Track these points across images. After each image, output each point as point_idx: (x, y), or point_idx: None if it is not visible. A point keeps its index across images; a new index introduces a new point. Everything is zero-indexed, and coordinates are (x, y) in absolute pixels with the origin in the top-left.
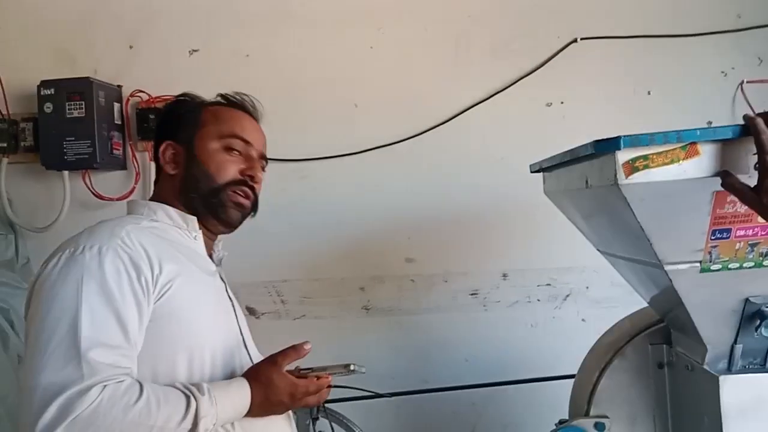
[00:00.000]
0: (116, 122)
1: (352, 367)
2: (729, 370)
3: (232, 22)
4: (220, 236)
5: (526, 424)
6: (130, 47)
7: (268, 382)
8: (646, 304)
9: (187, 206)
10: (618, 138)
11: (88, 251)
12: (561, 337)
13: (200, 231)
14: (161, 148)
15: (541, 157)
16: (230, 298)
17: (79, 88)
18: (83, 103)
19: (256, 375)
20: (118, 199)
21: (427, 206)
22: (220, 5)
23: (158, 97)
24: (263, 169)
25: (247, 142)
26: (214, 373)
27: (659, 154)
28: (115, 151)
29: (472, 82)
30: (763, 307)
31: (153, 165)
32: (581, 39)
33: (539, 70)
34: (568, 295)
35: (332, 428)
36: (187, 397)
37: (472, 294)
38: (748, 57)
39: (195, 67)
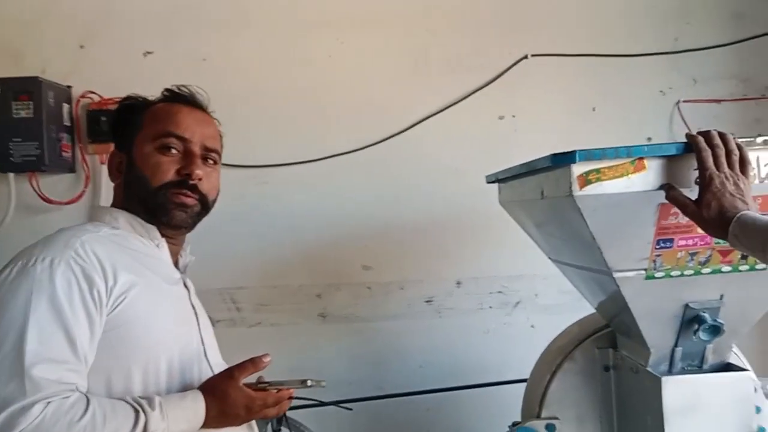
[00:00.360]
0: (65, 124)
1: (309, 383)
2: (670, 372)
3: (190, 26)
4: (187, 241)
5: (478, 427)
6: (81, 47)
7: (223, 396)
8: (592, 311)
9: (136, 213)
10: (574, 152)
11: (40, 263)
12: (511, 343)
13: (163, 239)
14: (108, 157)
15: (494, 168)
16: (193, 307)
17: (27, 87)
18: (31, 103)
19: (211, 388)
20: (66, 203)
21: (384, 214)
22: (177, 8)
23: (110, 99)
24: (213, 161)
25: (182, 138)
26: (171, 384)
27: (610, 168)
28: (63, 154)
29: (429, 94)
30: (701, 312)
31: (103, 167)
32: (531, 55)
33: (492, 84)
34: (518, 302)
35: None
36: (136, 412)
37: (427, 301)
38: (685, 78)
39: (150, 69)
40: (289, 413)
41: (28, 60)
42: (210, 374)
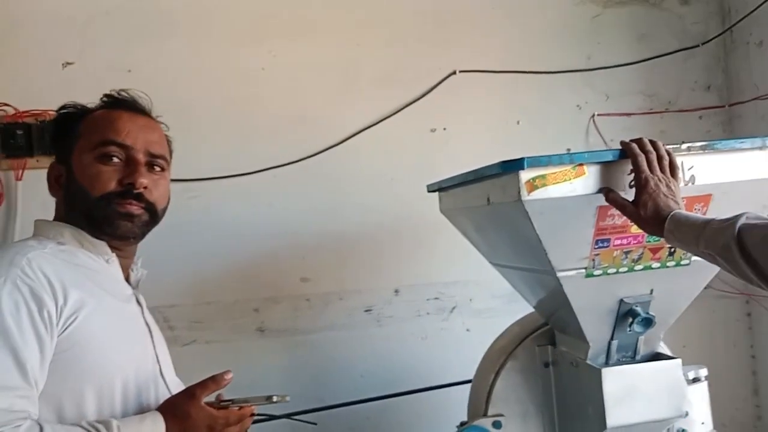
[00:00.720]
0: None
1: (275, 399)
2: (607, 363)
3: (113, 35)
4: (138, 254)
5: (425, 431)
6: None
7: (185, 416)
8: (522, 315)
9: (80, 227)
10: (522, 159)
11: None
12: (449, 348)
13: (113, 254)
14: (48, 170)
15: (428, 178)
16: (147, 324)
17: None
18: None
19: (172, 408)
20: None
21: (320, 226)
22: (96, 16)
23: (26, 112)
24: (161, 168)
25: (123, 145)
26: (127, 406)
27: (554, 173)
28: None
29: (362, 107)
30: (634, 306)
31: (19, 184)
32: (460, 71)
33: (423, 98)
34: (454, 308)
35: None
36: None
37: (366, 310)
38: (598, 93)
39: (69, 80)
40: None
41: None
42: (167, 394)
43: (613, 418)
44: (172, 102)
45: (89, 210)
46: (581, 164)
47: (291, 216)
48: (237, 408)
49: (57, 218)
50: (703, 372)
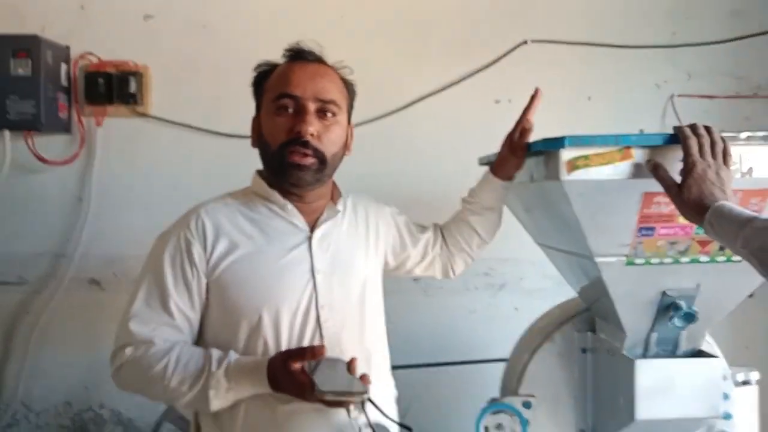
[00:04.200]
0: (63, 84)
1: (355, 398)
2: (644, 355)
3: None
4: (336, 199)
5: (460, 403)
6: (82, 8)
7: (275, 377)
8: (573, 296)
9: (267, 176)
10: (563, 138)
11: (163, 237)
12: (495, 324)
13: (286, 202)
14: (251, 125)
15: (488, 150)
16: (312, 269)
17: (26, 45)
18: (29, 60)
19: (272, 366)
20: (60, 164)
21: (377, 191)
22: None
23: (109, 61)
24: (332, 113)
25: (293, 96)
26: (278, 340)
27: (598, 155)
28: (60, 114)
29: (428, 73)
30: (677, 299)
31: (98, 130)
32: (531, 41)
33: (491, 67)
34: (503, 285)
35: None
36: (203, 367)
37: (414, 279)
38: (680, 72)
39: (148, 33)
40: None
41: (27, 18)
42: (317, 336)
43: (642, 411)
44: (242, 60)
45: (271, 161)
46: (628, 147)
47: (348, 180)
48: (318, 392)
49: (263, 164)
50: (755, 375)
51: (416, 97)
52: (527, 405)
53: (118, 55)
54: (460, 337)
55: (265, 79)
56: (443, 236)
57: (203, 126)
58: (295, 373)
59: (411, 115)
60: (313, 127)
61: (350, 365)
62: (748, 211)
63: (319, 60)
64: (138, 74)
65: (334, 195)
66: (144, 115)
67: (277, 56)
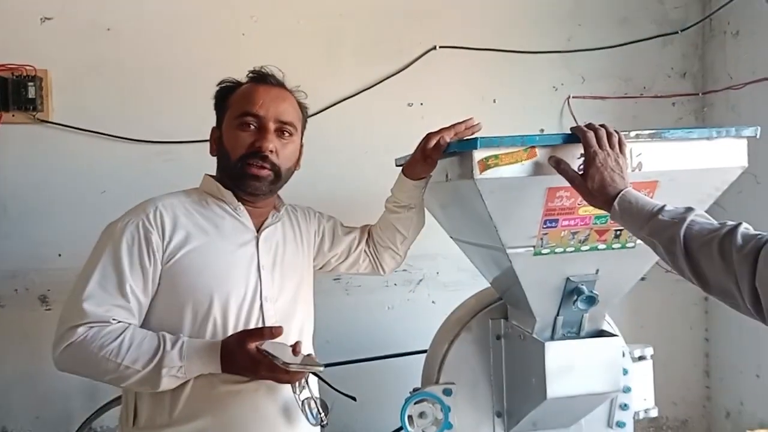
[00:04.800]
0: None
1: (308, 367)
2: (552, 338)
3: None
4: (278, 207)
5: (382, 396)
6: None
7: (231, 355)
8: (487, 287)
9: (224, 181)
10: (475, 139)
11: (120, 223)
12: (414, 318)
13: (239, 204)
14: (210, 132)
15: (403, 152)
16: (259, 264)
17: None
18: None
19: (226, 345)
20: None
21: (292, 194)
22: None
23: (3, 65)
24: (289, 133)
25: (257, 115)
26: (218, 328)
27: (507, 154)
28: None
29: (341, 78)
30: (579, 284)
31: None
32: (440, 47)
33: (402, 72)
34: (421, 280)
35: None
36: (158, 347)
37: (335, 279)
38: (575, 75)
39: (47, 36)
40: None
41: None
42: (260, 324)
43: (553, 390)
44: (149, 63)
45: (229, 169)
46: (533, 146)
47: None
48: (279, 363)
49: (217, 172)
50: (649, 351)
51: (331, 101)
52: (448, 392)
53: (12, 59)
54: (380, 333)
55: (228, 95)
56: (371, 236)
57: (110, 132)
58: (252, 352)
59: (327, 119)
60: (272, 144)
61: (295, 347)
62: (651, 202)
63: (280, 84)
64: (37, 79)
65: (277, 203)
66: (44, 121)
67: (186, 59)
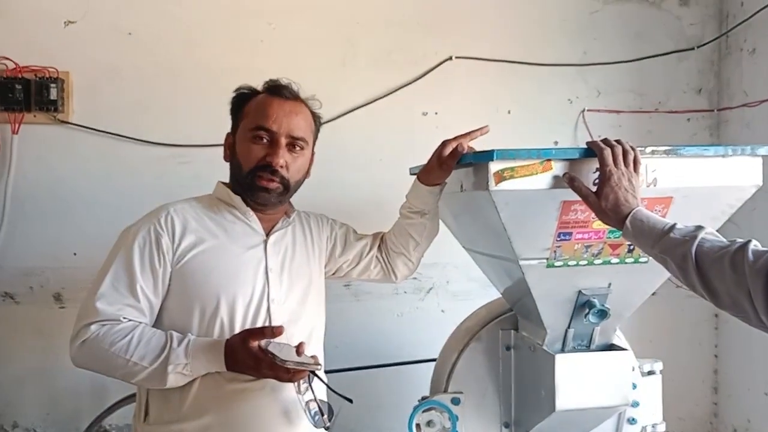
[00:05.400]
0: None
1: (306, 363)
2: (562, 350)
3: None
4: (289, 213)
5: (390, 403)
6: None
7: (234, 353)
8: (498, 297)
9: (235, 188)
10: (492, 151)
11: (133, 228)
12: (423, 327)
13: (248, 209)
14: (225, 137)
15: (416, 161)
16: (266, 267)
17: None
18: None
19: (229, 344)
20: None
21: (306, 200)
22: None
23: (26, 67)
24: (300, 147)
25: (269, 130)
26: (225, 328)
27: (522, 167)
28: None
29: (356, 86)
30: (591, 298)
31: (14, 138)
32: (456, 57)
33: (418, 81)
34: (431, 288)
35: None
36: (165, 345)
37: (345, 285)
38: (590, 89)
39: (70, 39)
40: None
41: None
42: (267, 322)
43: (562, 402)
44: (168, 67)
45: (241, 179)
46: (549, 160)
47: None
48: (278, 361)
49: (230, 177)
50: (658, 366)
51: (346, 108)
52: (456, 401)
53: (37, 61)
54: (389, 340)
55: (244, 104)
56: (384, 242)
57: (127, 134)
58: (254, 350)
59: (342, 126)
60: (283, 159)
61: (299, 348)
62: (662, 220)
63: (295, 97)
64: (59, 80)
65: (288, 209)
66: (65, 122)
67: (205, 65)
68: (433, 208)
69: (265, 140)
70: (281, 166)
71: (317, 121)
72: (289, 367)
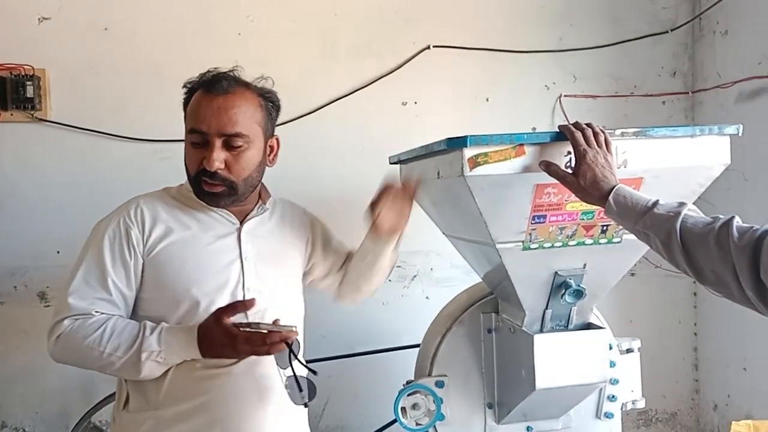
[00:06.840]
0: None
1: (281, 324)
2: (541, 331)
3: None
4: (265, 199)
5: (376, 389)
6: None
7: (208, 333)
8: (479, 282)
9: None
10: (465, 137)
11: (104, 222)
12: (408, 314)
13: (213, 209)
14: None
15: (398, 150)
16: (241, 255)
17: None
18: None
19: (202, 326)
20: None
21: (289, 193)
22: None
23: (1, 65)
24: (240, 144)
25: (201, 132)
26: (201, 313)
27: (496, 152)
28: None
29: (336, 77)
30: (567, 278)
31: None
32: (433, 46)
33: (397, 71)
34: (415, 276)
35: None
36: (137, 334)
37: None
38: (566, 74)
39: (45, 36)
40: None
41: None
42: (243, 314)
43: (541, 381)
44: (146, 63)
45: (192, 184)
46: (521, 144)
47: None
48: (252, 331)
49: None
50: (636, 344)
51: (327, 100)
52: (440, 384)
53: (12, 59)
54: (375, 328)
55: (187, 102)
56: (346, 267)
57: (107, 130)
58: (228, 326)
59: (322, 118)
60: (219, 161)
61: (274, 323)
62: (644, 197)
63: (229, 89)
64: (35, 78)
65: (263, 195)
66: (43, 120)
67: (183, 59)
68: (380, 256)
69: (200, 143)
70: (220, 169)
71: (270, 103)
72: (263, 329)
